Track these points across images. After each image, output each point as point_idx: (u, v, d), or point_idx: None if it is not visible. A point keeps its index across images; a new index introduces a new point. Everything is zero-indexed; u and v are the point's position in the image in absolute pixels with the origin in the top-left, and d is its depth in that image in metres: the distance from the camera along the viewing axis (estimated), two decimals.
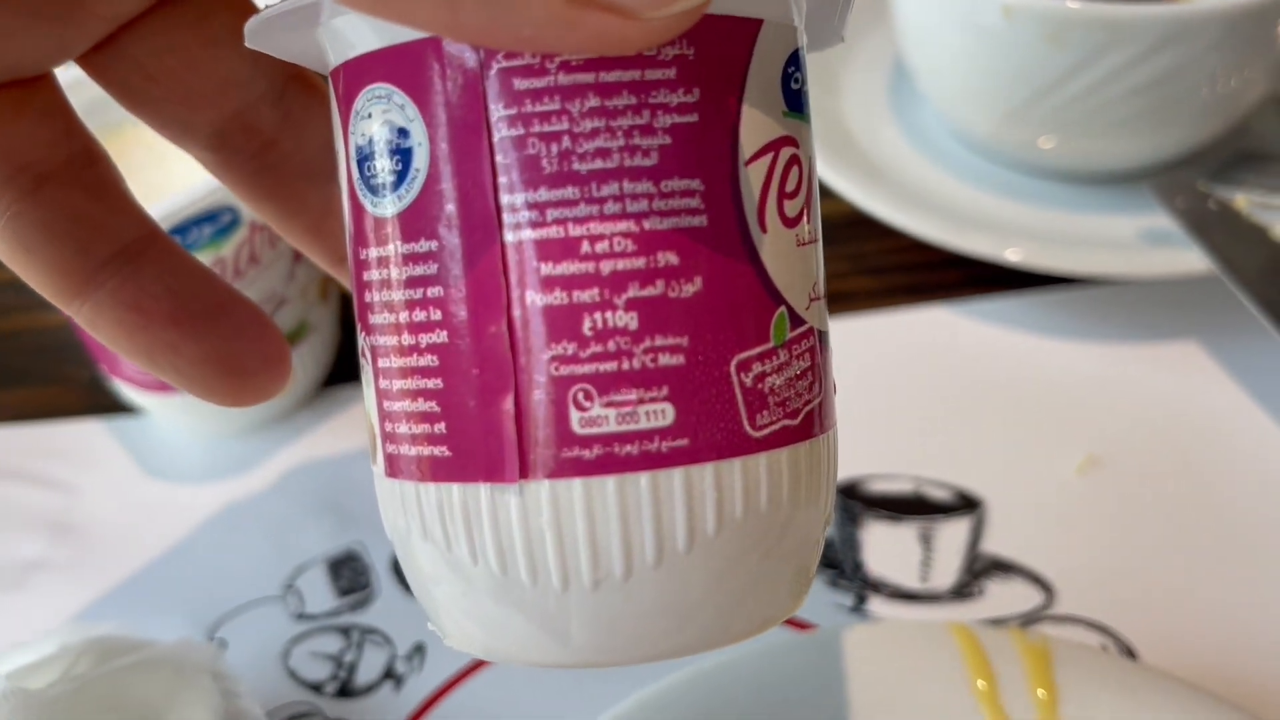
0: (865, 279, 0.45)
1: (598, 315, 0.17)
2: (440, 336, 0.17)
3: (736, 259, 0.17)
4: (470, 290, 0.17)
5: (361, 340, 0.19)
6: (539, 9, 0.13)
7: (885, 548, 0.36)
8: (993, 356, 0.42)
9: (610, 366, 0.17)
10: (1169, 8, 0.40)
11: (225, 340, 0.21)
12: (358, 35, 0.17)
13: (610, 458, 0.17)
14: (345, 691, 0.34)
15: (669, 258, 0.17)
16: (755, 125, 0.17)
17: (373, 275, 0.18)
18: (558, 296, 0.17)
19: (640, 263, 0.17)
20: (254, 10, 0.20)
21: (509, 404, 0.17)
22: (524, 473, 0.17)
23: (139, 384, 0.39)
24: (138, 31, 0.20)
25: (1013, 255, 0.42)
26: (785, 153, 0.18)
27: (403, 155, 0.17)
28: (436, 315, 0.17)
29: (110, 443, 0.43)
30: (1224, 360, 0.41)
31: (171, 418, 0.41)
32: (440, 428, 0.17)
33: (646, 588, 0.17)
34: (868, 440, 0.39)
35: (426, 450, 0.18)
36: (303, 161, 0.22)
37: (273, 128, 0.22)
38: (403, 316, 0.18)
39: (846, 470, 0.38)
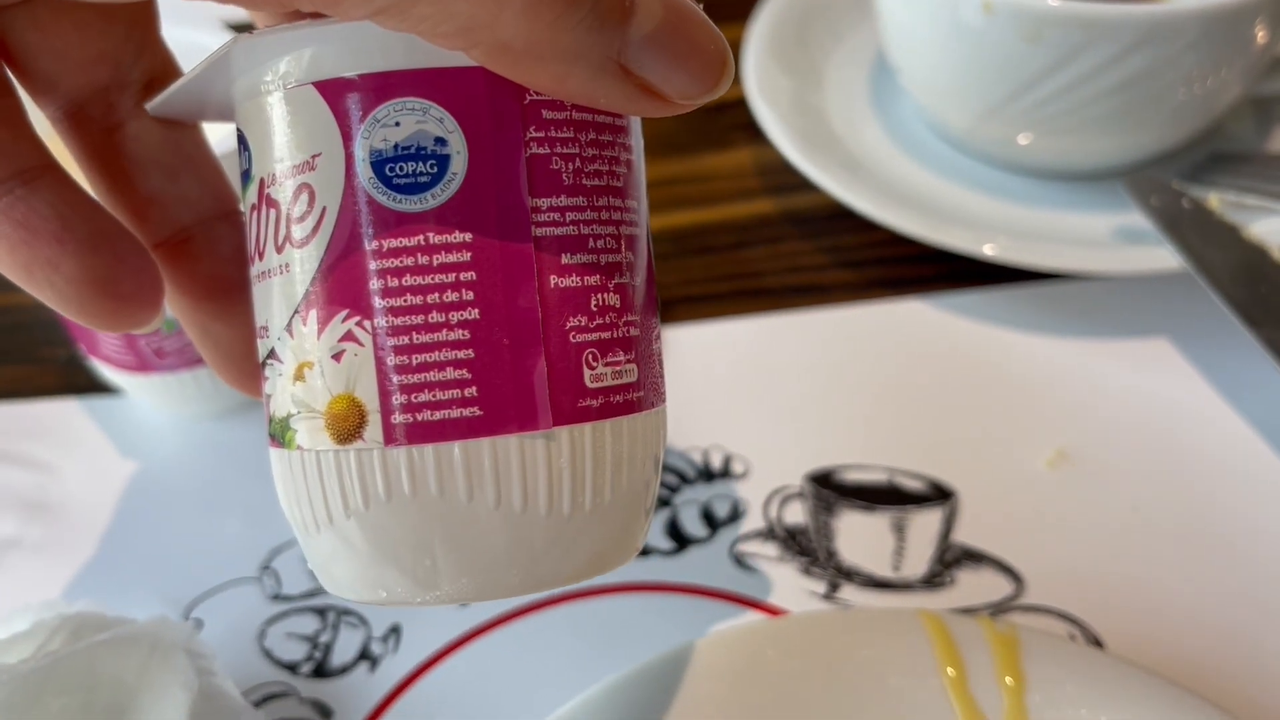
0: (844, 272, 0.46)
1: (599, 295, 0.22)
2: (472, 314, 0.20)
3: (652, 262, 0.24)
4: (505, 274, 0.20)
5: (343, 319, 0.21)
6: (594, 70, 0.18)
7: (858, 537, 0.37)
8: (967, 350, 0.42)
9: (607, 335, 0.22)
10: (1146, 8, 0.40)
11: (104, 263, 0.22)
12: (382, 54, 0.20)
13: (607, 406, 0.22)
14: (320, 672, 0.34)
15: (630, 256, 0.22)
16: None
17: (391, 264, 0.20)
18: (573, 280, 0.21)
19: (619, 258, 0.22)
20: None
21: (541, 366, 0.21)
22: (554, 421, 0.21)
23: (117, 364, 0.39)
24: None
25: (989, 250, 0.42)
26: None
27: (439, 160, 0.20)
28: (469, 295, 0.20)
29: (87, 422, 0.43)
30: (1194, 357, 0.41)
31: (149, 398, 0.41)
32: (471, 391, 0.20)
33: (625, 507, 0.23)
34: (843, 431, 0.40)
35: (456, 412, 0.20)
36: (143, 149, 0.24)
37: (128, 113, 0.24)
38: (432, 297, 0.20)
39: (821, 459, 0.39)
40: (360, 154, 0.20)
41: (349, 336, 0.21)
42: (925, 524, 0.37)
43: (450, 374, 0.20)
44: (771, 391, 0.41)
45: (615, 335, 0.22)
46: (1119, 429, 0.39)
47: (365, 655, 0.35)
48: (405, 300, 0.20)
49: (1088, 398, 0.40)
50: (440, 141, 0.20)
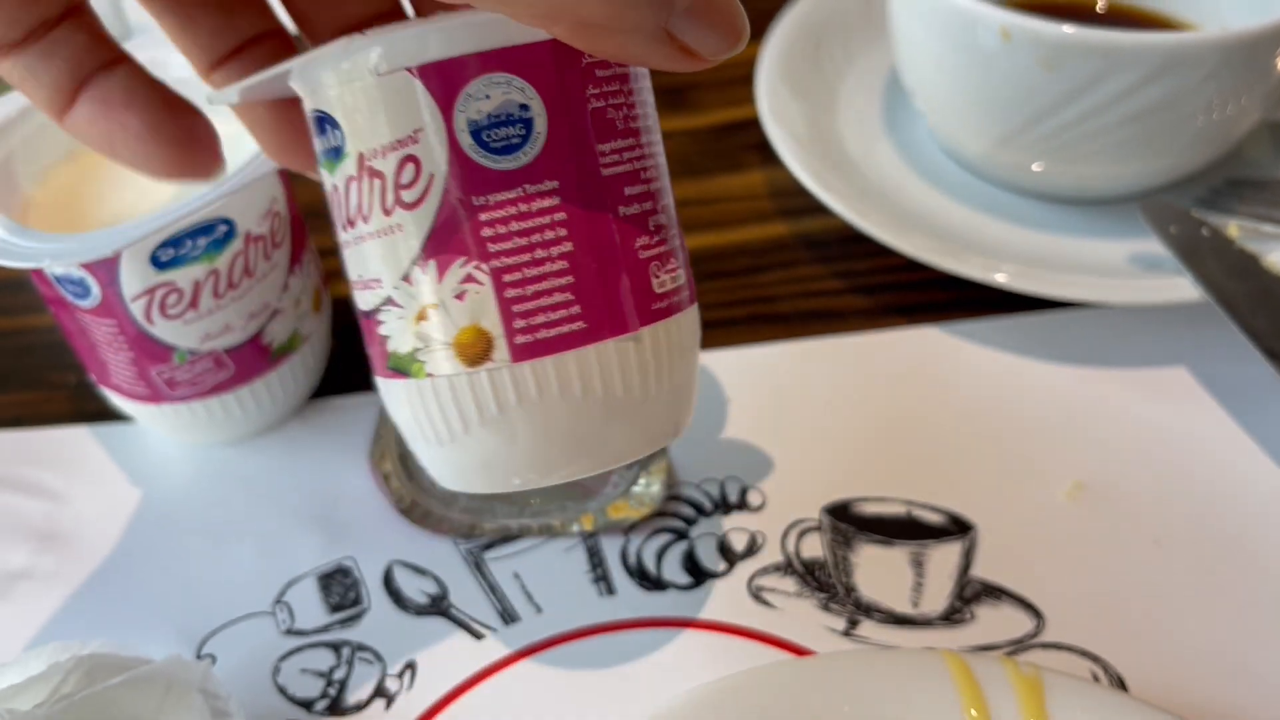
0: (858, 297, 0.45)
1: (653, 217, 0.26)
2: (567, 246, 0.25)
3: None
4: (588, 211, 0.25)
5: (462, 265, 0.25)
6: (648, 37, 0.22)
7: (877, 571, 0.36)
8: (984, 379, 0.42)
9: (663, 248, 0.26)
10: (1165, 36, 0.40)
11: (164, 119, 0.26)
12: (465, 40, 0.24)
13: (670, 306, 0.27)
14: (335, 709, 0.34)
15: (664, 180, 0.27)
16: None
17: (498, 215, 0.25)
18: (635, 208, 0.26)
19: (660, 184, 0.27)
20: None
21: (625, 282, 0.26)
22: (640, 325, 0.26)
23: (128, 394, 0.39)
24: None
25: (1003, 280, 0.42)
26: None
27: (525, 124, 0.24)
28: (563, 232, 0.25)
29: (97, 450, 0.42)
30: (1214, 387, 0.41)
31: (161, 428, 0.41)
32: (575, 310, 0.25)
33: (685, 385, 0.28)
34: (860, 461, 0.39)
35: (566, 328, 0.25)
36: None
37: None
38: (535, 238, 0.25)
39: (838, 491, 0.39)
40: (459, 125, 0.24)
41: (469, 279, 0.25)
42: (944, 558, 0.37)
43: (557, 298, 0.25)
44: (787, 421, 0.41)
45: (668, 248, 0.27)
46: (1138, 460, 0.39)
47: (380, 692, 0.34)
48: (513, 243, 0.25)
49: (1106, 428, 0.40)
50: (524, 108, 0.24)
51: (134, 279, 0.34)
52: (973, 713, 0.30)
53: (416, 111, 0.24)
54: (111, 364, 0.38)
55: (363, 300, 0.27)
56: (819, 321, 0.45)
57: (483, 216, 0.25)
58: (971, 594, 0.36)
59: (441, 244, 0.25)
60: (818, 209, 0.47)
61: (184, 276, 0.35)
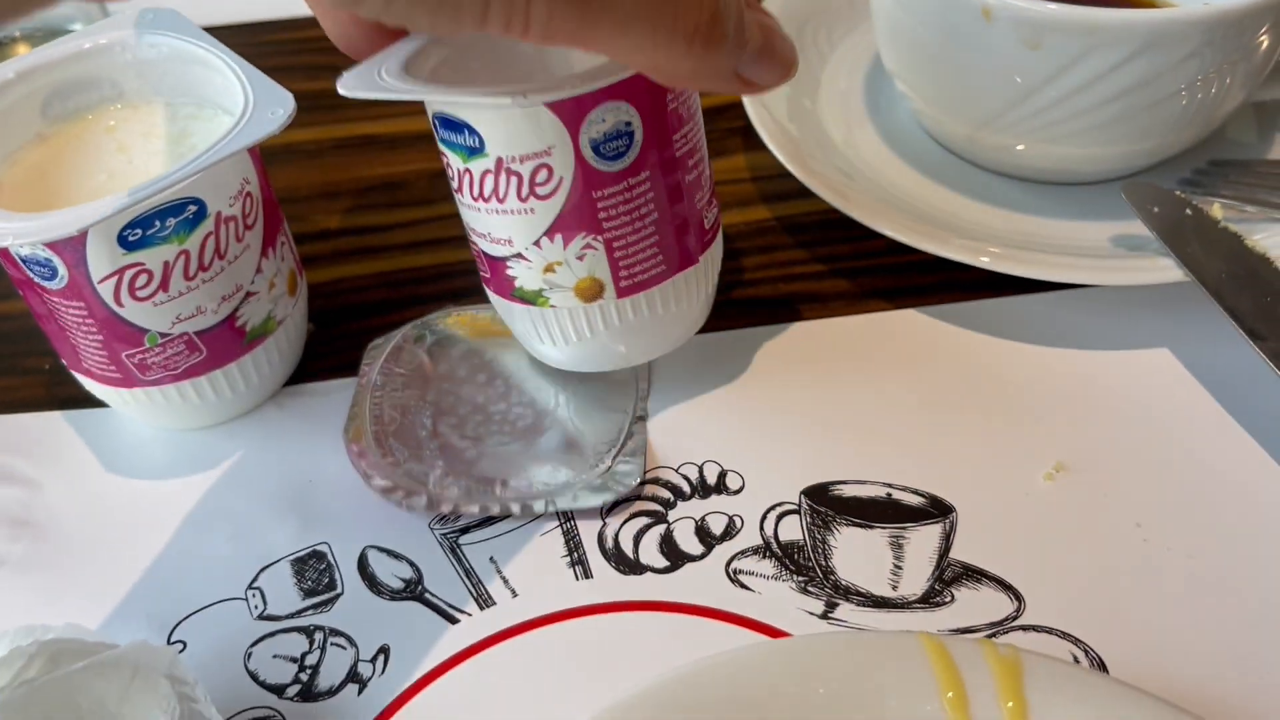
0: (839, 280, 0.45)
1: (704, 175, 0.37)
2: (654, 214, 0.36)
3: None
4: (668, 187, 0.36)
5: (584, 239, 0.35)
6: (724, 79, 0.29)
7: (856, 554, 0.36)
8: (966, 361, 0.42)
9: (709, 194, 0.38)
10: (1149, 13, 0.39)
11: None
12: (590, 81, 0.32)
13: (711, 233, 0.39)
14: (307, 695, 0.34)
15: (703, 139, 0.37)
16: None
17: (609, 203, 0.34)
18: (694, 174, 0.37)
19: (703, 145, 0.37)
20: None
21: (691, 229, 0.37)
22: (698, 256, 0.38)
23: (100, 379, 0.38)
24: None
25: (986, 261, 0.41)
26: None
27: (629, 136, 0.34)
28: (651, 206, 0.35)
29: (72, 436, 0.42)
30: (1196, 369, 0.41)
31: (135, 413, 0.40)
32: (659, 258, 0.36)
33: (715, 291, 0.40)
34: (841, 445, 0.39)
35: (653, 271, 0.37)
36: None
37: None
38: (634, 214, 0.35)
39: (818, 474, 0.38)
40: (583, 142, 0.33)
41: (588, 246, 0.35)
42: (924, 540, 0.36)
43: (648, 252, 0.36)
44: (768, 404, 0.41)
45: (711, 191, 0.38)
46: (1120, 442, 0.39)
47: (353, 677, 0.34)
48: (619, 219, 0.35)
49: (1088, 409, 0.40)
50: (628, 124, 0.34)
51: (101, 260, 0.34)
52: (950, 695, 0.29)
53: (550, 133, 0.33)
54: (82, 347, 0.37)
55: (491, 249, 0.37)
56: (801, 305, 0.44)
57: (599, 204, 0.34)
58: (951, 576, 0.35)
59: (567, 223, 0.35)
60: (800, 192, 0.46)
61: (153, 257, 0.35)
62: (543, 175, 0.34)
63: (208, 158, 0.33)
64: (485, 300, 0.44)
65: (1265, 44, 0.42)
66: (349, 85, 0.30)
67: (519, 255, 0.36)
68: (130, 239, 0.34)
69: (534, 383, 0.41)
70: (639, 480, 0.38)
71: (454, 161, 0.35)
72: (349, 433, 0.39)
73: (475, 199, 0.35)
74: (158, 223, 0.34)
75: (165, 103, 0.40)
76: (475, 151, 0.34)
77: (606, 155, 0.34)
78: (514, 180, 0.34)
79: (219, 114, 0.39)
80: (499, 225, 0.35)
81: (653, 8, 0.26)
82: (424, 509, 0.37)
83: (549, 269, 0.36)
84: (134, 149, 0.38)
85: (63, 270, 0.34)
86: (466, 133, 0.33)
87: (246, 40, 0.60)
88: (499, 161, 0.34)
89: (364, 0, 0.24)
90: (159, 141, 0.39)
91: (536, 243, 0.35)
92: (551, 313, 0.37)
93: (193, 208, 0.35)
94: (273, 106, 0.35)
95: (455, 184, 0.36)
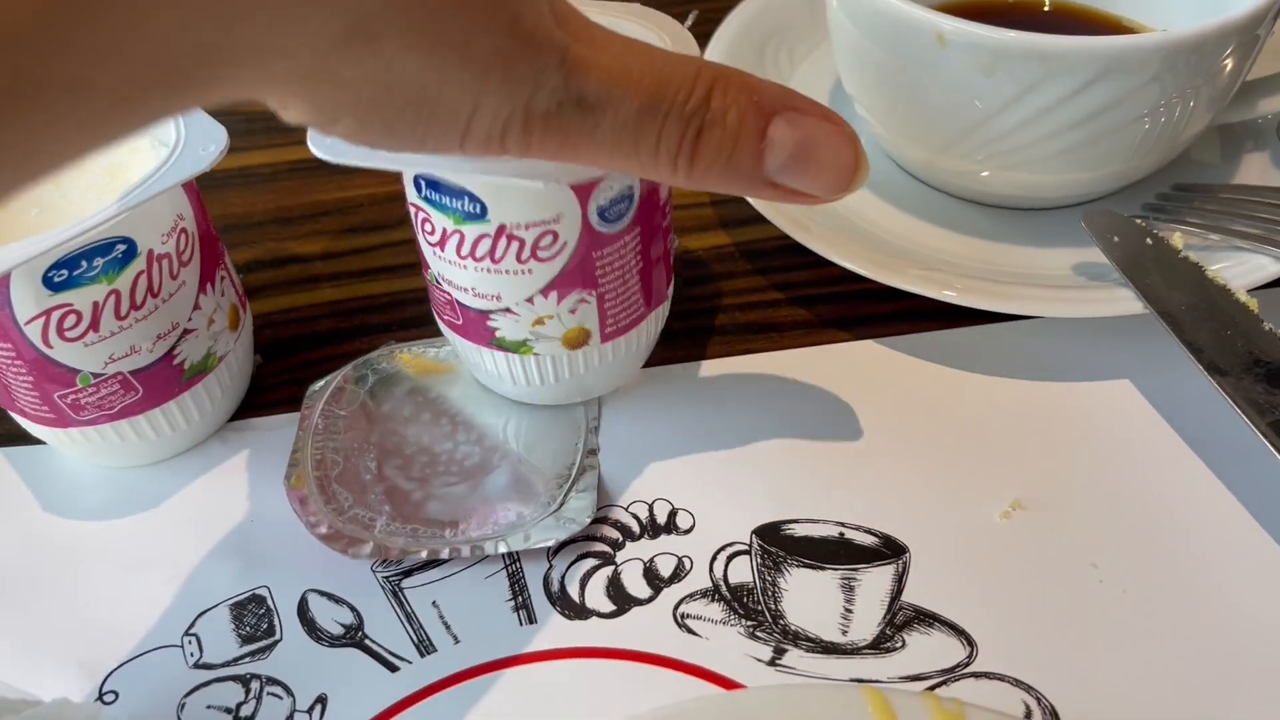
0: (796, 309, 0.44)
1: (670, 230, 0.39)
2: (639, 264, 0.37)
3: None
4: (653, 243, 0.37)
5: (578, 295, 0.36)
6: (754, 188, 0.28)
7: (806, 596, 0.35)
8: (922, 393, 0.41)
9: (670, 234, 0.39)
10: (1107, 40, 0.39)
11: None
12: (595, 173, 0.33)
13: (673, 269, 0.40)
14: None
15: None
16: None
17: (606, 261, 0.35)
18: (668, 219, 0.38)
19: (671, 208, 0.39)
20: None
21: (665, 269, 0.39)
22: (668, 291, 0.40)
23: (34, 419, 0.37)
24: None
25: (942, 294, 0.41)
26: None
27: (629, 200, 0.35)
28: (640, 260, 0.36)
29: (9, 474, 0.41)
30: (1157, 401, 0.40)
31: (71, 452, 0.39)
32: (640, 303, 0.38)
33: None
34: (794, 483, 0.38)
35: (633, 316, 0.38)
36: None
37: None
38: (625, 267, 0.36)
39: (770, 513, 0.37)
40: (591, 209, 0.34)
41: (581, 300, 0.36)
42: (876, 582, 0.35)
43: (632, 299, 0.37)
44: (721, 440, 0.40)
45: (671, 243, 0.39)
46: (1078, 478, 0.38)
47: None
48: (613, 274, 0.36)
49: (1047, 444, 0.39)
50: (629, 188, 0.34)
51: (27, 301, 0.33)
52: None
53: (562, 202, 0.33)
54: (14, 388, 0.36)
55: (473, 303, 0.36)
56: (757, 336, 0.43)
57: (597, 262, 0.35)
58: (903, 620, 0.35)
59: (564, 281, 0.35)
60: (760, 218, 0.45)
61: (81, 298, 0.34)
62: (547, 240, 0.34)
63: (134, 197, 0.32)
64: (432, 333, 0.43)
65: (1228, 67, 0.41)
66: (339, 154, 0.31)
67: (506, 310, 0.36)
68: (56, 280, 0.33)
69: (481, 419, 0.40)
70: (590, 517, 0.37)
71: (440, 222, 0.34)
72: (290, 480, 0.38)
73: (462, 257, 0.35)
74: (84, 263, 0.33)
75: None
76: (474, 217, 0.34)
77: (609, 219, 0.34)
78: (515, 245, 0.34)
79: (157, 146, 0.38)
80: (487, 283, 0.35)
81: (634, 135, 0.26)
82: (369, 556, 0.36)
83: (539, 322, 0.36)
84: (68, 183, 0.37)
85: None
86: (466, 200, 0.33)
87: None
88: (501, 228, 0.34)
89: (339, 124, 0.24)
90: (94, 175, 0.38)
91: (529, 300, 0.36)
92: (533, 360, 0.38)
93: (121, 247, 0.34)
94: (205, 143, 0.34)
95: (434, 239, 0.35)
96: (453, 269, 0.36)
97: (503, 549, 0.36)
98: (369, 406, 0.41)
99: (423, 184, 0.34)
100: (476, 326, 0.37)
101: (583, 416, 0.40)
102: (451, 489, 0.38)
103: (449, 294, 0.37)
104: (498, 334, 0.37)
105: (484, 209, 0.33)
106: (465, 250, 0.35)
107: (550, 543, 0.36)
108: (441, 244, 0.35)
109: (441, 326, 0.39)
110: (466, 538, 0.37)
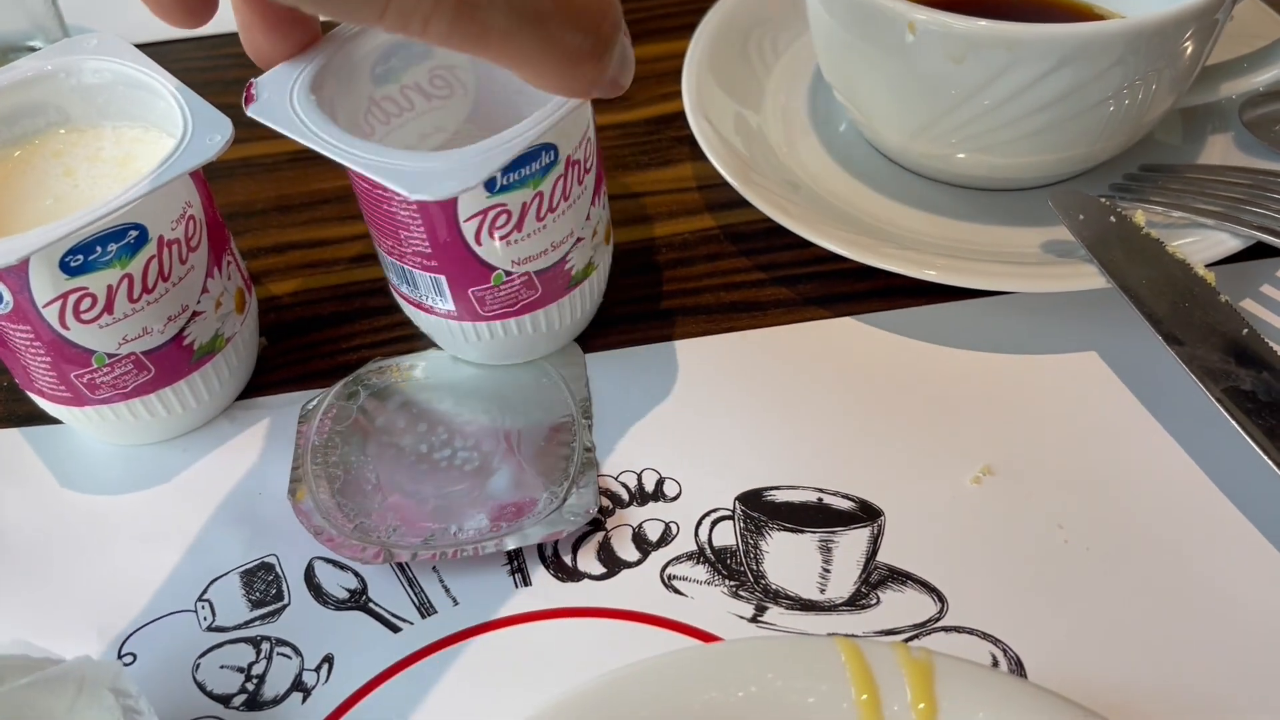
0: (778, 289, 0.46)
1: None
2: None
3: None
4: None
5: (604, 189, 0.42)
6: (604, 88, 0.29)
7: (786, 558, 0.37)
8: (898, 367, 0.43)
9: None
10: (1071, 27, 0.40)
11: None
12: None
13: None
14: (253, 704, 0.35)
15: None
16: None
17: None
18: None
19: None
20: None
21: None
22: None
23: (51, 398, 0.39)
24: None
25: (918, 273, 0.42)
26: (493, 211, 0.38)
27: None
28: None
29: (27, 452, 0.43)
30: (1122, 372, 0.42)
31: (87, 430, 0.41)
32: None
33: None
34: (776, 451, 0.40)
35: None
36: None
37: None
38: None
39: (753, 480, 0.39)
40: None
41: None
42: (852, 544, 0.37)
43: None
44: (706, 412, 0.42)
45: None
46: (1046, 445, 0.40)
47: (298, 686, 0.35)
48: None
49: (1016, 413, 0.41)
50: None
51: (45, 285, 0.35)
52: (864, 697, 0.31)
53: (587, 113, 0.38)
54: (32, 368, 0.38)
55: (546, 262, 0.39)
56: (740, 314, 0.45)
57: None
58: (877, 579, 0.37)
59: (600, 181, 0.41)
60: (743, 202, 0.47)
61: (96, 281, 0.36)
62: (588, 149, 0.39)
63: (145, 185, 0.34)
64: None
65: (1189, 51, 0.43)
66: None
67: (578, 239, 0.40)
68: (72, 265, 0.35)
69: (475, 426, 0.42)
70: (593, 513, 0.38)
71: (517, 198, 0.37)
72: (294, 495, 0.39)
73: (541, 218, 0.38)
74: (99, 248, 0.35)
75: (111, 127, 0.41)
76: (550, 167, 0.37)
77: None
78: (574, 169, 0.38)
79: (163, 137, 0.40)
80: (561, 227, 0.39)
81: (543, 39, 0.26)
82: (379, 560, 0.37)
83: (595, 233, 0.41)
84: (80, 173, 0.39)
85: (8, 296, 0.35)
86: (542, 153, 0.36)
87: (206, 53, 0.61)
88: (567, 160, 0.37)
89: None
90: (104, 165, 0.40)
91: (588, 215, 0.40)
92: (595, 278, 0.42)
93: (134, 233, 0.36)
94: (211, 133, 0.36)
95: (504, 228, 0.38)
96: (528, 243, 0.38)
97: (509, 546, 0.37)
98: (363, 421, 0.42)
99: (498, 179, 0.36)
100: (555, 280, 0.40)
101: (576, 418, 0.42)
102: (454, 493, 0.40)
103: (523, 270, 0.39)
104: (572, 269, 0.41)
105: (556, 153, 0.37)
106: (546, 206, 0.38)
107: (557, 538, 0.38)
108: (519, 223, 0.38)
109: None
110: (473, 538, 0.38)
